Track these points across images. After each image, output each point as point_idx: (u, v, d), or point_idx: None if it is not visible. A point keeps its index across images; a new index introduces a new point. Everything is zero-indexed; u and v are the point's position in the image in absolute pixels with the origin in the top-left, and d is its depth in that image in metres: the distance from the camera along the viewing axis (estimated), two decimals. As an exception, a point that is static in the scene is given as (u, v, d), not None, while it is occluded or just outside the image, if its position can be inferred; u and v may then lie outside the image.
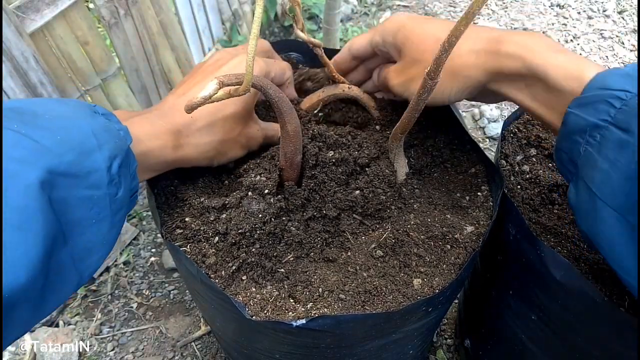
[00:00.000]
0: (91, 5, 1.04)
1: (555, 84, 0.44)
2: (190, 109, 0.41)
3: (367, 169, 0.54)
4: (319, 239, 0.52)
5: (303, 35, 0.56)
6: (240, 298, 0.48)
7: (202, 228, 0.53)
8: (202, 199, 0.56)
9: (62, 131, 0.38)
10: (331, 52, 0.66)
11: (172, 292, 1.04)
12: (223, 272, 0.50)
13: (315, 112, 0.65)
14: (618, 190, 0.37)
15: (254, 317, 0.47)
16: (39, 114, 0.38)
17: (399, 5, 1.87)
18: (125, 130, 0.44)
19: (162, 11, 1.13)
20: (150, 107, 0.55)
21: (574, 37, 1.67)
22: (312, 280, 0.50)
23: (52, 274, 0.36)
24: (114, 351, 0.96)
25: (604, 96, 0.39)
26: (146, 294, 1.04)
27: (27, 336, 0.91)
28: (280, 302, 0.48)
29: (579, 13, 1.78)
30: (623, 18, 1.74)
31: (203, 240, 0.52)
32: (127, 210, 0.45)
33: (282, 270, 0.51)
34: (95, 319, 1.00)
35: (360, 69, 0.66)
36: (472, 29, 0.50)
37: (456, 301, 0.94)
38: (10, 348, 0.90)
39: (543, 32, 1.70)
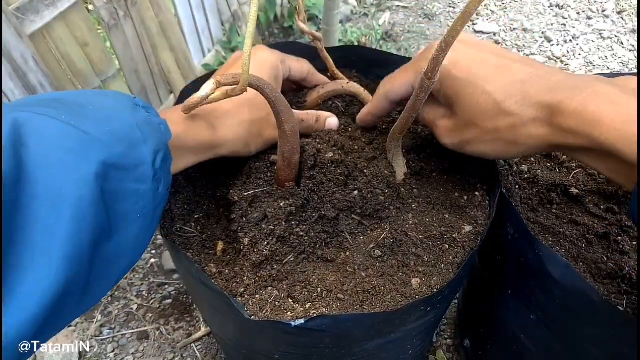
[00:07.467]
0: (91, 7, 1.05)
1: (628, 159, 0.39)
2: (187, 109, 0.42)
3: (365, 170, 0.54)
4: (317, 239, 0.52)
5: (304, 27, 0.56)
6: (239, 298, 0.49)
7: (200, 229, 0.53)
8: (203, 200, 0.56)
9: (109, 122, 0.37)
10: (330, 50, 0.66)
11: (172, 293, 1.05)
12: (222, 272, 0.50)
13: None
14: None
15: (252, 317, 0.47)
16: (84, 105, 0.38)
17: (398, 5, 1.87)
18: (165, 125, 0.44)
19: (162, 12, 1.13)
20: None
21: (573, 38, 1.68)
22: (311, 280, 0.50)
23: (96, 266, 0.35)
24: (114, 352, 0.96)
25: None
26: (146, 295, 1.05)
27: (27, 337, 0.92)
28: (279, 302, 0.48)
29: (578, 13, 1.78)
30: (622, 18, 1.74)
31: (203, 240, 0.53)
32: (164, 206, 0.45)
33: (282, 270, 0.51)
34: (95, 320, 1.00)
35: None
36: (533, 72, 0.45)
37: (455, 301, 0.94)
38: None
39: (542, 33, 1.70)
